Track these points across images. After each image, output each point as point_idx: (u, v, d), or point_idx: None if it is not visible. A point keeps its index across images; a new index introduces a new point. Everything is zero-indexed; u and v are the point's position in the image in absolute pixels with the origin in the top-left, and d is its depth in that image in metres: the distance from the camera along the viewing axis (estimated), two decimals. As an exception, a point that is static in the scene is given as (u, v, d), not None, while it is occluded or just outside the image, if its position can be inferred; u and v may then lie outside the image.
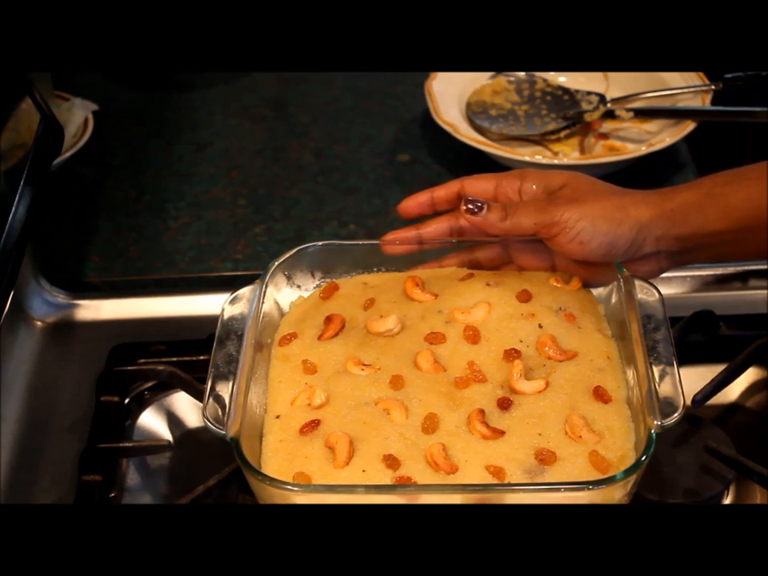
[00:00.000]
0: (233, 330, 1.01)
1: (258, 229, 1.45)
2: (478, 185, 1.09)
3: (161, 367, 1.19)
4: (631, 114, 1.55)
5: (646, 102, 1.59)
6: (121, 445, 1.16)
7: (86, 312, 1.33)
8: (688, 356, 1.10)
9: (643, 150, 1.47)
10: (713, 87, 1.57)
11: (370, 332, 1.04)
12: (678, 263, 1.06)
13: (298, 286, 1.10)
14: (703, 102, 1.55)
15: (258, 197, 1.51)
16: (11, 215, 1.02)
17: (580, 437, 0.93)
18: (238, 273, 1.38)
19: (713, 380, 1.14)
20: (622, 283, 1.03)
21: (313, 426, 0.95)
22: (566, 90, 1.60)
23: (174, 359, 1.22)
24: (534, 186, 1.07)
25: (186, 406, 1.21)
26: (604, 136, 1.57)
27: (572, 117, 1.56)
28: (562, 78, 1.64)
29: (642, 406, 0.93)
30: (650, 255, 1.04)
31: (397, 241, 1.10)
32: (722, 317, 1.24)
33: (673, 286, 1.31)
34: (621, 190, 1.06)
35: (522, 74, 1.62)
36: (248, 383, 0.97)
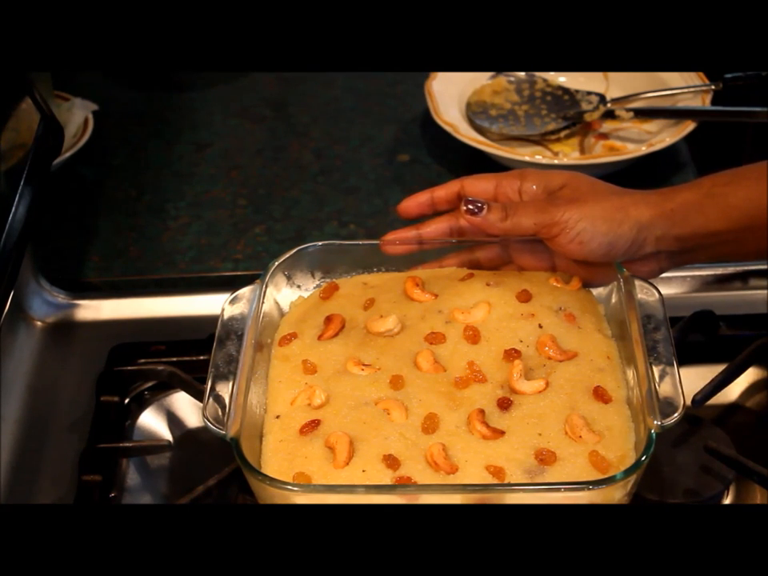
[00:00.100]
0: (233, 330, 1.01)
1: (258, 229, 1.45)
2: (478, 185, 1.09)
3: (161, 367, 1.19)
4: (631, 114, 1.55)
5: (646, 102, 1.59)
6: (121, 445, 1.16)
7: (86, 312, 1.33)
8: (688, 356, 1.10)
9: (643, 150, 1.47)
10: (713, 87, 1.57)
11: (369, 332, 1.04)
12: (678, 263, 1.06)
13: (298, 286, 1.10)
14: (703, 102, 1.55)
15: (257, 197, 1.51)
16: (11, 215, 1.02)
17: (580, 437, 0.93)
18: (238, 273, 1.38)
19: (713, 380, 1.14)
20: (621, 283, 1.03)
21: (313, 426, 0.95)
22: (566, 90, 1.60)
23: (174, 359, 1.22)
24: (534, 186, 1.07)
25: (186, 406, 1.21)
26: (604, 136, 1.57)
27: (572, 117, 1.56)
28: (562, 78, 1.64)
29: (642, 406, 0.93)
30: (650, 255, 1.04)
31: (397, 241, 1.10)
32: (722, 317, 1.24)
33: (673, 285, 1.31)
34: (621, 190, 1.06)
35: (522, 74, 1.62)
36: (248, 383, 0.97)
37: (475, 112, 1.57)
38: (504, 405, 0.96)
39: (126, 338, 1.27)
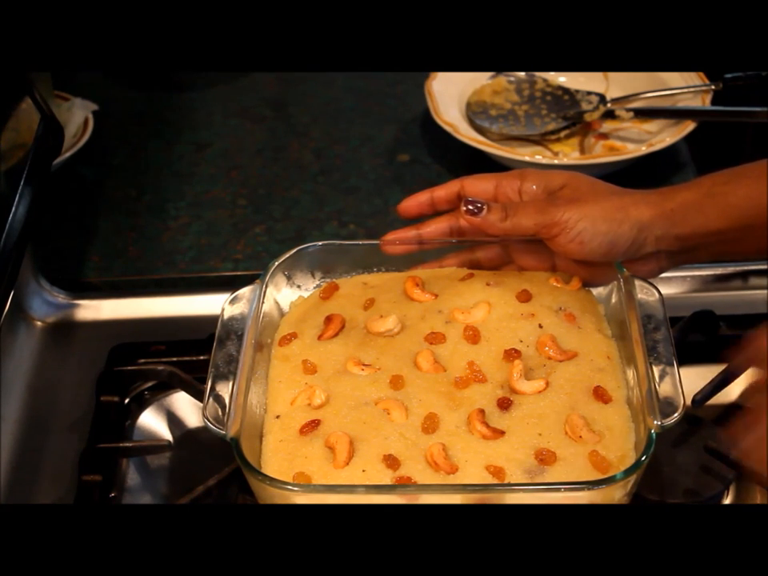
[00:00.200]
0: (233, 330, 1.01)
1: (258, 229, 1.45)
2: (478, 185, 1.09)
3: (161, 367, 1.19)
4: (631, 114, 1.55)
5: (645, 102, 1.59)
6: (121, 445, 1.15)
7: (86, 312, 1.33)
8: (688, 356, 1.10)
9: (643, 150, 1.47)
10: (713, 87, 1.56)
11: (370, 332, 1.04)
12: (678, 263, 1.06)
13: (298, 286, 1.10)
14: (703, 102, 1.55)
15: (257, 197, 1.51)
16: (11, 215, 1.02)
17: (580, 437, 0.93)
18: (238, 273, 1.38)
19: (713, 380, 1.14)
20: (621, 283, 1.04)
21: (313, 426, 0.95)
22: (566, 90, 1.60)
23: (174, 359, 1.22)
24: (534, 186, 1.07)
25: (186, 406, 1.21)
26: (604, 136, 1.57)
27: (572, 117, 1.56)
28: (562, 78, 1.64)
29: (642, 406, 0.93)
30: (651, 255, 1.04)
31: (397, 241, 1.10)
32: (722, 317, 1.24)
33: (673, 285, 1.31)
34: (621, 190, 1.06)
35: (522, 74, 1.62)
36: (248, 383, 0.97)
37: (475, 112, 1.57)
38: (504, 405, 0.96)
39: (126, 338, 1.27)
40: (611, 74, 1.63)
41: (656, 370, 0.95)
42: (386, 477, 0.91)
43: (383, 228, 1.19)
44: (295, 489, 0.89)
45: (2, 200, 1.02)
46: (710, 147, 1.57)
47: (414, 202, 1.10)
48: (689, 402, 1.05)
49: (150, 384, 1.22)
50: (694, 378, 1.12)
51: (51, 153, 1.10)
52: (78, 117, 1.55)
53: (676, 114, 1.53)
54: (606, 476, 0.90)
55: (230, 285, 1.26)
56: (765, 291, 1.30)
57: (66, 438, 1.16)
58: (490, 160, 1.50)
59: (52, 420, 1.19)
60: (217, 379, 0.97)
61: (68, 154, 1.49)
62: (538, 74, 1.62)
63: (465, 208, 1.03)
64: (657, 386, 0.94)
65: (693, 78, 1.58)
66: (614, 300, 1.05)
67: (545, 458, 0.92)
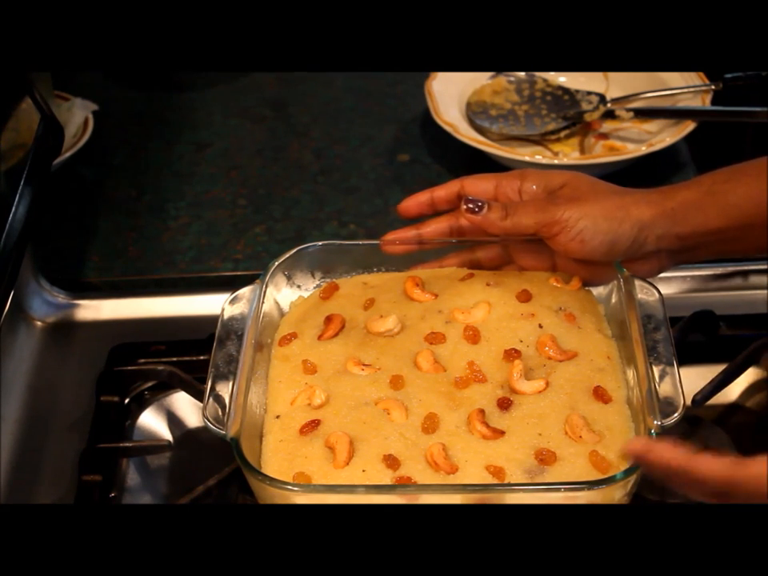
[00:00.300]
0: (233, 330, 1.01)
1: (258, 229, 1.45)
2: (478, 185, 1.09)
3: (161, 367, 1.19)
4: (631, 114, 1.55)
5: (645, 102, 1.59)
6: (121, 445, 1.16)
7: (86, 312, 1.33)
8: (688, 356, 1.10)
9: (643, 150, 1.47)
10: (713, 87, 1.56)
11: (370, 332, 1.04)
12: (679, 261, 1.06)
13: (298, 286, 1.10)
14: (703, 102, 1.55)
15: (257, 197, 1.51)
16: (11, 215, 1.02)
17: (580, 437, 0.93)
18: (238, 273, 1.38)
19: (713, 380, 1.14)
20: (621, 283, 1.04)
21: (313, 426, 0.95)
22: (566, 90, 1.60)
23: (174, 359, 1.22)
24: (534, 186, 1.07)
25: (186, 406, 1.21)
26: (604, 136, 1.57)
27: (572, 117, 1.56)
28: (562, 78, 1.64)
29: (642, 406, 0.93)
30: (651, 254, 1.04)
31: (397, 241, 1.10)
32: (722, 317, 1.24)
33: (673, 285, 1.31)
34: (621, 189, 1.06)
35: (522, 74, 1.62)
36: (248, 383, 0.97)
37: (475, 112, 1.57)
38: (504, 405, 0.96)
39: (126, 338, 1.27)
40: (611, 74, 1.63)
41: (656, 370, 0.95)
42: (386, 477, 0.91)
43: (383, 228, 1.19)
44: (295, 489, 0.89)
45: (2, 200, 1.02)
46: (709, 147, 1.57)
47: (413, 202, 1.10)
48: (689, 401, 1.05)
49: (150, 384, 1.22)
50: (694, 378, 1.13)
51: (51, 153, 1.10)
52: (78, 117, 1.55)
53: (676, 114, 1.53)
54: (605, 476, 0.90)
55: (229, 285, 1.26)
56: (765, 291, 1.30)
57: (66, 437, 1.16)
58: (490, 160, 1.50)
59: (52, 420, 1.19)
60: (217, 379, 0.97)
61: (68, 154, 1.49)
62: (537, 74, 1.63)
63: (465, 207, 1.03)
64: (657, 386, 0.94)
65: (693, 78, 1.58)
66: (613, 300, 1.05)
67: (545, 458, 0.92)
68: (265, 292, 1.05)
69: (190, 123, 1.66)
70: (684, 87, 1.57)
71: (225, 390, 0.96)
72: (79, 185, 1.54)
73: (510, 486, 0.90)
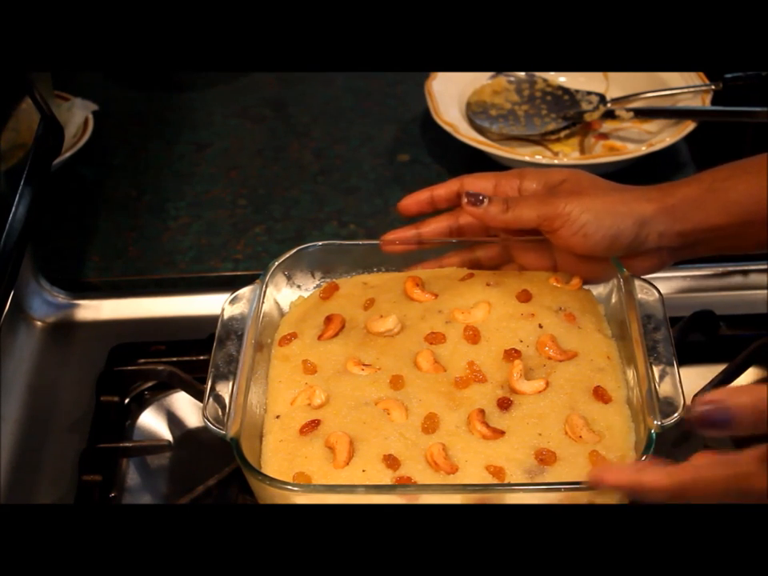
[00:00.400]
0: (233, 330, 1.01)
1: (258, 229, 1.45)
2: (478, 183, 1.08)
3: (161, 367, 1.19)
4: (631, 113, 1.55)
5: (645, 102, 1.59)
6: (121, 445, 1.15)
7: (86, 312, 1.33)
8: (688, 356, 1.10)
9: (643, 150, 1.47)
10: (713, 87, 1.56)
11: (369, 332, 1.04)
12: (679, 258, 1.06)
13: (298, 286, 1.10)
14: (703, 102, 1.55)
15: (257, 197, 1.51)
16: (11, 215, 1.02)
17: (580, 437, 0.93)
18: (238, 273, 1.38)
19: (713, 380, 1.14)
20: (621, 283, 1.03)
21: (313, 425, 0.95)
22: (566, 90, 1.60)
23: (174, 359, 1.22)
24: (534, 184, 1.07)
25: (186, 406, 1.21)
26: (604, 136, 1.57)
27: (572, 117, 1.56)
28: (562, 78, 1.64)
29: (642, 406, 0.93)
30: (652, 250, 1.04)
31: (396, 240, 1.10)
32: (721, 317, 1.24)
33: (673, 285, 1.31)
34: (621, 186, 1.06)
35: (522, 74, 1.62)
36: (248, 383, 0.97)
37: (475, 112, 1.57)
38: (504, 405, 0.96)
39: (126, 338, 1.27)
40: (611, 74, 1.63)
41: (656, 370, 0.95)
42: (386, 477, 0.91)
43: (383, 228, 1.19)
44: (295, 489, 0.89)
45: (2, 200, 1.02)
46: (709, 147, 1.57)
47: (413, 201, 1.10)
48: (689, 402, 1.05)
49: (150, 384, 1.22)
50: (694, 378, 1.12)
51: (51, 153, 1.10)
52: (78, 117, 1.55)
53: (676, 114, 1.53)
54: (606, 476, 0.90)
55: (230, 285, 1.26)
56: (765, 291, 1.30)
57: (66, 438, 1.16)
58: (490, 160, 1.50)
59: (52, 420, 1.19)
60: (217, 379, 0.97)
61: (68, 154, 1.49)
62: (537, 74, 1.62)
63: (466, 200, 1.03)
64: (657, 386, 0.94)
65: (693, 78, 1.58)
66: (613, 300, 1.05)
67: (545, 458, 0.92)
68: (265, 292, 1.05)
69: (190, 123, 1.66)
70: (684, 87, 1.57)
71: (225, 390, 0.96)
72: (79, 185, 1.54)
73: (510, 486, 0.90)
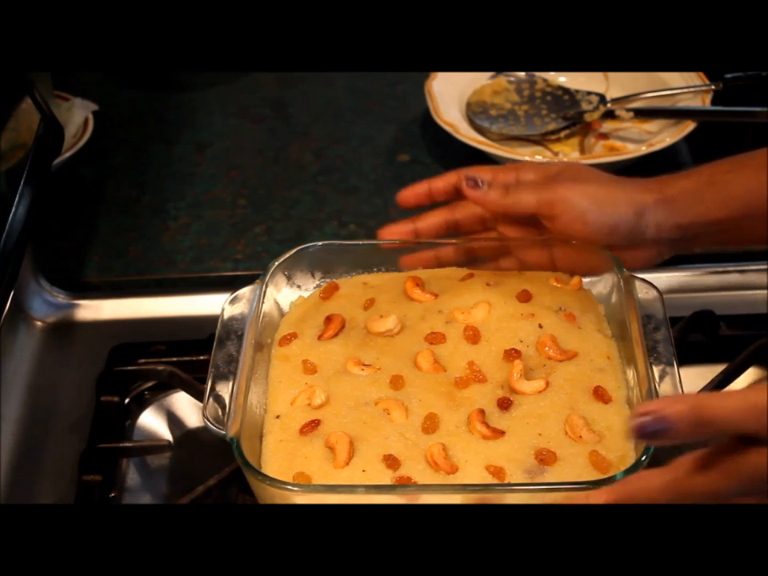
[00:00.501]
0: (233, 329, 1.01)
1: (258, 229, 1.45)
2: (476, 175, 1.09)
3: (161, 367, 1.19)
4: (631, 113, 1.55)
5: (646, 102, 1.59)
6: (121, 445, 1.16)
7: (86, 312, 1.33)
8: (688, 356, 1.09)
9: (643, 150, 1.47)
10: (713, 87, 1.57)
11: (370, 332, 1.04)
12: (677, 251, 1.06)
13: (298, 286, 1.10)
14: (703, 102, 1.55)
15: (257, 197, 1.51)
16: (11, 215, 1.02)
17: (580, 437, 0.93)
18: (238, 273, 1.38)
19: (713, 380, 1.14)
20: (621, 283, 1.03)
21: (313, 425, 0.95)
22: (566, 90, 1.60)
23: (174, 359, 1.22)
24: (532, 175, 1.07)
25: (186, 406, 1.21)
26: (604, 136, 1.57)
27: (572, 117, 1.56)
28: (562, 78, 1.64)
29: (642, 406, 0.93)
30: (651, 242, 1.04)
31: (393, 234, 1.10)
32: (721, 317, 1.24)
33: (673, 285, 1.31)
34: (620, 177, 1.06)
35: (522, 74, 1.63)
36: (248, 383, 0.97)
37: (475, 112, 1.57)
38: (504, 405, 0.96)
39: (126, 338, 1.27)
40: (611, 74, 1.63)
41: (656, 370, 0.95)
42: (386, 477, 0.91)
43: (383, 228, 1.19)
44: (295, 489, 0.89)
45: (2, 200, 1.02)
46: (709, 147, 1.56)
47: (411, 193, 1.11)
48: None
49: (150, 384, 1.22)
50: (694, 378, 1.12)
51: (51, 153, 1.10)
52: (78, 117, 1.55)
53: (676, 114, 1.53)
54: (606, 476, 0.90)
55: (230, 285, 1.26)
56: (765, 291, 1.30)
57: (66, 438, 1.16)
58: (490, 160, 1.49)
59: (52, 420, 1.19)
60: (217, 379, 0.97)
61: (68, 154, 1.49)
62: (537, 73, 1.63)
63: (466, 183, 1.04)
64: (657, 386, 0.94)
65: (693, 78, 1.58)
66: (613, 300, 1.05)
67: (545, 458, 0.92)
68: (265, 292, 1.05)
69: (190, 123, 1.66)
70: (684, 87, 1.57)
71: (225, 390, 0.96)
72: (79, 185, 1.54)
73: (510, 486, 0.90)
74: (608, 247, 1.04)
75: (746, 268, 1.33)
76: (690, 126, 1.49)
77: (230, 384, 0.96)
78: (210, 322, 1.08)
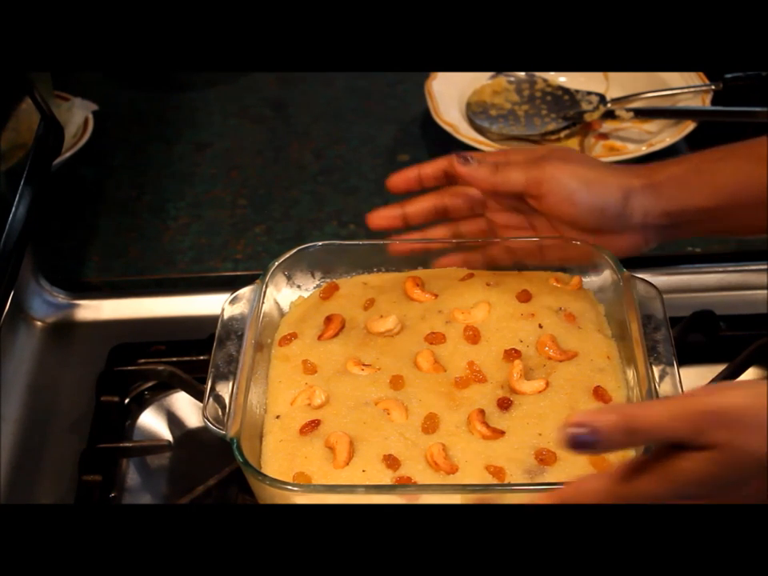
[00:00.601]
0: (233, 329, 1.01)
1: (258, 229, 1.45)
2: None
3: (161, 367, 1.19)
4: (631, 113, 1.55)
5: (646, 102, 1.59)
6: (121, 445, 1.16)
7: (86, 312, 1.33)
8: (688, 356, 1.10)
9: (643, 150, 1.47)
10: (713, 87, 1.57)
11: (370, 332, 1.04)
12: (665, 238, 1.06)
13: (298, 286, 1.10)
14: (703, 102, 1.55)
15: (257, 197, 1.51)
16: (11, 215, 1.02)
17: (580, 437, 0.93)
18: (238, 273, 1.38)
19: (713, 380, 1.14)
20: (621, 283, 1.03)
21: (313, 426, 0.95)
22: (566, 90, 1.60)
23: (174, 359, 1.22)
24: (522, 157, 1.07)
25: (186, 406, 1.21)
26: (604, 136, 1.57)
27: (572, 117, 1.56)
28: (562, 78, 1.64)
29: (642, 406, 0.93)
30: (637, 227, 1.04)
31: (382, 217, 1.10)
32: (721, 317, 1.24)
33: (673, 285, 1.31)
34: (609, 163, 1.07)
35: (522, 74, 1.63)
36: (248, 383, 0.97)
37: (475, 112, 1.57)
38: (504, 405, 0.96)
39: (126, 338, 1.27)
40: (611, 74, 1.63)
41: (656, 370, 0.95)
42: (386, 477, 0.91)
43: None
44: (295, 489, 0.89)
45: (2, 200, 1.02)
46: (709, 147, 1.57)
47: (401, 178, 1.12)
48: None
49: (150, 384, 1.23)
50: (694, 378, 1.12)
51: (51, 153, 1.10)
52: (78, 117, 1.55)
53: (676, 114, 1.53)
54: (605, 476, 0.90)
55: (230, 285, 1.26)
56: (765, 291, 1.30)
57: (66, 438, 1.16)
58: (490, 160, 1.50)
59: (52, 420, 1.19)
60: (217, 379, 0.97)
61: (68, 154, 1.49)
62: (537, 74, 1.63)
63: (456, 159, 1.05)
64: (657, 386, 0.94)
65: (693, 78, 1.58)
66: (613, 300, 1.05)
67: (545, 458, 0.92)
68: (265, 292, 1.05)
69: (190, 123, 1.66)
70: (684, 87, 1.57)
71: (225, 389, 0.96)
72: (79, 185, 1.54)
73: (510, 486, 0.90)
74: (595, 232, 1.04)
75: (746, 268, 1.33)
76: (689, 126, 1.49)
77: (230, 384, 0.96)
78: (209, 321, 1.08)
